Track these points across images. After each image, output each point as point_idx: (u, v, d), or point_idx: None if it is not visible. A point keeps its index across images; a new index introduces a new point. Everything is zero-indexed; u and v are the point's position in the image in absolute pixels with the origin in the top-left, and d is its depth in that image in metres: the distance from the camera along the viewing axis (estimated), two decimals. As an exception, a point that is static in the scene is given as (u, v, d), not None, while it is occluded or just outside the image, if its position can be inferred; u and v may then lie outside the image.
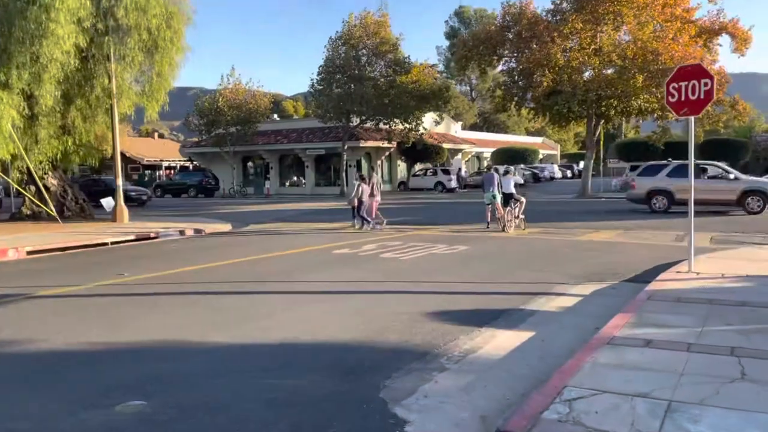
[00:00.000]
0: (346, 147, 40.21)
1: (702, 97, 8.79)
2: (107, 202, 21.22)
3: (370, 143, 42.19)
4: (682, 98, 9.03)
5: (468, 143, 57.84)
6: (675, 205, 20.94)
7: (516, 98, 35.05)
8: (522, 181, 17.62)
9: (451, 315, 7.30)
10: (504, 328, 6.70)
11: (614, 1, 28.51)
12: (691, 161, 9.34)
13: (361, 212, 18.04)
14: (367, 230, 17.53)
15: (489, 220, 17.98)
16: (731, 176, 21.05)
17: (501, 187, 17.64)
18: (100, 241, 15.51)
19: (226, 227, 19.58)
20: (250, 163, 49.21)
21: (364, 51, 39.55)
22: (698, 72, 8.88)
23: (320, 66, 39.68)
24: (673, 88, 9.14)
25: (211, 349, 6.19)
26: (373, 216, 18.52)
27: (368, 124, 41.03)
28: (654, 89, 29.34)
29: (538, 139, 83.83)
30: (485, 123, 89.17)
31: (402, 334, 6.48)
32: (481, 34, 35.57)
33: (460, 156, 57.32)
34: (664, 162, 22.97)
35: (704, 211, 20.13)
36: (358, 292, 8.83)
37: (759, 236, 14.78)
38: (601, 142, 38.85)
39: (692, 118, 9.16)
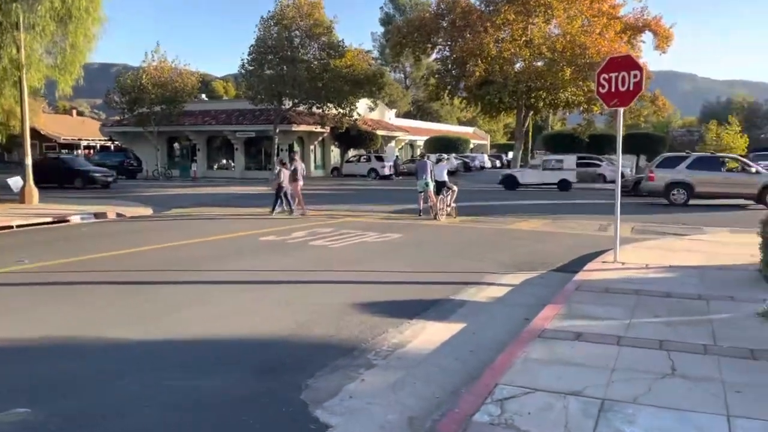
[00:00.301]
0: (277, 130, 39.21)
1: (631, 88, 8.85)
2: (14, 181, 19.64)
3: (303, 127, 41.34)
4: (612, 89, 9.07)
5: (402, 131, 57.85)
6: (694, 198, 20.53)
7: (449, 87, 35.25)
8: (454, 168, 17.49)
9: (380, 306, 7.02)
10: (434, 320, 6.48)
11: (545, -6, 29.01)
12: (619, 153, 9.42)
13: (281, 196, 17.64)
14: (290, 215, 17.10)
15: (421, 208, 17.87)
16: (752, 170, 20.59)
17: (434, 174, 17.56)
18: (2, 224, 14.27)
19: (147, 211, 18.56)
20: (176, 145, 47.19)
21: (297, 32, 38.55)
22: (628, 63, 8.94)
23: (251, 46, 38.40)
24: (604, 78, 9.17)
25: (119, 345, 5.63)
26: (296, 202, 18.09)
27: (301, 108, 40.17)
28: (581, 83, 30.20)
29: (470, 129, 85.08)
30: (419, 111, 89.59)
31: (329, 327, 6.14)
32: (415, 21, 35.49)
33: (393, 143, 57.28)
34: (683, 154, 22.47)
35: (722, 205, 20.16)
36: (284, 282, 8.40)
37: (675, 225, 15.35)
38: (530, 134, 39.70)
39: (621, 109, 9.23)
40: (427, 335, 5.95)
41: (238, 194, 26.63)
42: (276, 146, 39.72)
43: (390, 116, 59.30)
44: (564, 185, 27.96)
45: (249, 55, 38.67)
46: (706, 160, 21.39)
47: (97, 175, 29.22)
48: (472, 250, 11.15)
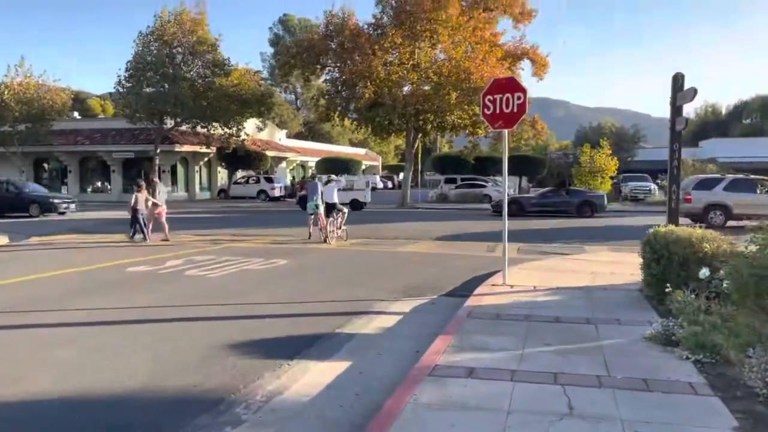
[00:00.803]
0: (158, 151, 37.00)
1: (515, 110, 8.82)
2: None
3: (187, 147, 39.37)
4: (497, 111, 9.01)
5: (293, 152, 56.97)
6: (732, 219, 20.27)
7: (339, 108, 34.99)
8: (374, 185, 17.01)
9: (258, 345, 6.29)
10: (318, 359, 5.86)
11: (430, 19, 29.62)
12: (505, 174, 9.38)
13: (139, 221, 16.08)
14: (143, 241, 15.76)
15: (311, 231, 17.24)
16: None
17: (323, 196, 17.04)
18: None
19: (2, 240, 16.45)
20: (45, 166, 43.30)
21: (179, 49, 36.81)
22: (512, 85, 8.92)
23: (128, 62, 36.10)
24: (489, 100, 9.10)
25: None
26: (162, 226, 16.58)
27: (184, 127, 38.26)
28: (466, 106, 31.05)
29: (361, 151, 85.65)
30: (310, 132, 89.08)
31: (193, 375, 5.32)
32: (304, 41, 35.01)
33: (284, 164, 56.23)
34: (719, 176, 22.44)
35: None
36: (148, 321, 7.41)
37: (558, 245, 15.81)
38: (419, 155, 40.34)
39: (506, 131, 9.19)
40: (309, 378, 5.31)
41: (113, 219, 24.51)
42: (157, 167, 37.45)
43: (280, 137, 58.26)
44: (356, 205, 29.00)
45: (126, 71, 36.33)
46: (741, 183, 21.63)
47: (57, 201, 26.13)
48: (362, 276, 10.67)
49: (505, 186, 9.51)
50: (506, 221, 9.38)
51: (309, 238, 17.02)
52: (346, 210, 17.06)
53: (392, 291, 9.23)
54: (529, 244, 16.03)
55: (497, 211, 26.15)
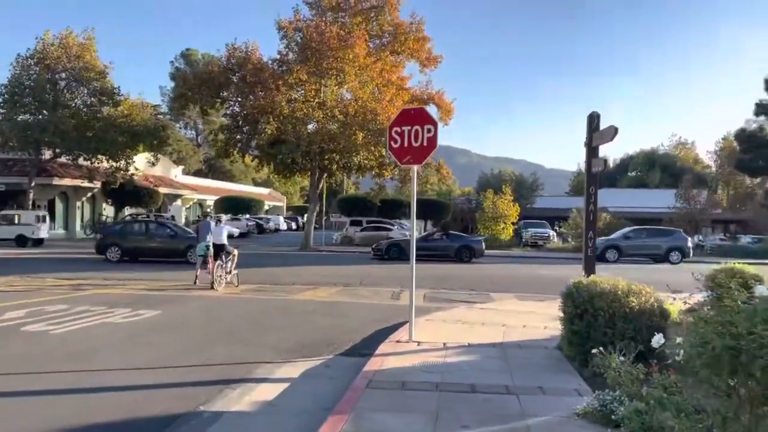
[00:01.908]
0: (33, 183, 33.40)
1: (425, 144, 7.89)
2: None
3: (67, 181, 35.95)
4: (405, 144, 8.04)
5: (189, 189, 54.04)
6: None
7: (240, 144, 33.32)
8: (236, 233, 15.50)
9: (87, 435, 4.69)
10: (166, 454, 4.37)
11: (337, 58, 28.98)
12: (413, 214, 8.36)
13: None
14: None
15: (198, 274, 15.46)
16: None
17: (212, 237, 15.40)
18: None
19: None
20: None
21: (63, 75, 33.86)
22: (422, 117, 8.01)
23: (2, 85, 32.64)
24: (396, 132, 8.13)
25: None
26: None
27: (65, 159, 34.92)
28: (373, 147, 30.44)
29: (265, 190, 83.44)
30: (211, 170, 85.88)
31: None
32: (203, 73, 33.29)
33: (179, 202, 53.16)
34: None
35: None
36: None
37: (464, 292, 15.02)
38: (324, 196, 39.21)
39: (415, 167, 8.23)
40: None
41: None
42: (32, 202, 33.74)
43: (176, 173, 55.20)
44: (21, 241, 29.15)
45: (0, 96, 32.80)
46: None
47: None
48: (247, 331, 9.15)
49: (413, 226, 8.48)
50: (414, 267, 8.31)
51: (195, 283, 15.24)
52: (236, 252, 15.44)
53: (280, 350, 7.82)
54: (434, 291, 15.15)
55: (378, 255, 26.06)
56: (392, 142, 8.17)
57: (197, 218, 50.19)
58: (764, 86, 42.86)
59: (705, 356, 3.30)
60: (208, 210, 31.84)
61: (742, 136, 44.56)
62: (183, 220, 50.73)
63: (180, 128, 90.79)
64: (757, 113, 41.23)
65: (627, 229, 30.15)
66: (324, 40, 28.60)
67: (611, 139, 7.32)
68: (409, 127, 7.98)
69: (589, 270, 8.14)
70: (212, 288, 14.29)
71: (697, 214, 37.23)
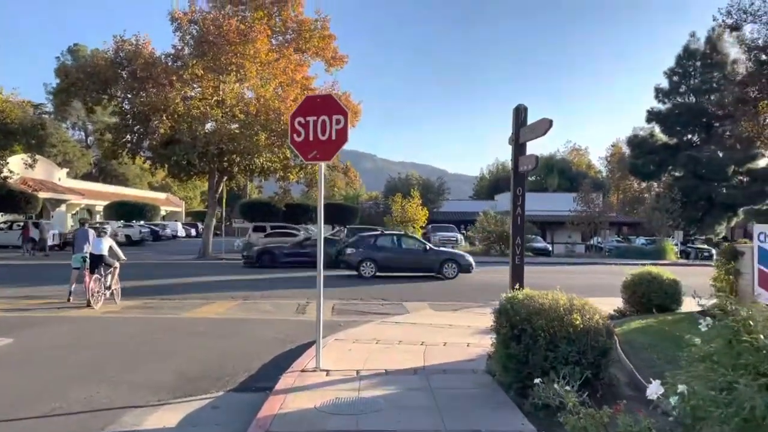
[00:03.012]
0: None
1: (334, 137, 6.75)
2: None
3: (-75, 185, 31.60)
4: (311, 137, 6.86)
5: (75, 194, 49.57)
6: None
7: (129, 145, 30.54)
8: (117, 249, 13.50)
9: None
10: None
11: (237, 53, 27.18)
12: (321, 217, 7.18)
13: None
14: None
15: (72, 289, 13.40)
16: None
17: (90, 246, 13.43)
18: None
19: None
20: None
21: None
22: (330, 105, 6.85)
23: None
24: (300, 123, 6.92)
25: None
26: None
27: None
28: (276, 149, 28.88)
29: (162, 195, 78.88)
30: (102, 173, 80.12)
31: None
32: (87, 67, 30.25)
33: (64, 207, 48.67)
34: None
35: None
36: None
37: (376, 303, 14.02)
38: (224, 201, 36.99)
39: (323, 164, 7.05)
40: None
41: None
42: None
43: (60, 176, 50.51)
44: None
45: None
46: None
47: None
48: (121, 361, 7.55)
49: (321, 230, 7.27)
50: (321, 281, 7.12)
51: (68, 300, 13.20)
52: (117, 264, 13.51)
53: (157, 387, 6.36)
54: (343, 302, 14.02)
55: (249, 262, 24.38)
56: (295, 135, 6.96)
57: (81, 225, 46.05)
58: (654, 94, 45.52)
59: (728, 416, 2.37)
60: (86, 217, 28.56)
61: (635, 141, 47.00)
62: (68, 227, 46.58)
63: (67, 128, 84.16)
64: (648, 120, 43.58)
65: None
66: (222, 34, 26.71)
67: (544, 133, 6.50)
68: (315, 118, 6.81)
69: (517, 280, 7.32)
70: (88, 306, 12.36)
71: (596, 217, 38.56)
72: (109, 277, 13.22)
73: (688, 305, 11.55)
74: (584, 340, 5.33)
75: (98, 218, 54.72)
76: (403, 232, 26.02)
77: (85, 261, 13.33)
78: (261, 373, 7.10)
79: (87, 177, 72.11)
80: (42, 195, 40.24)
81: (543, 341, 5.28)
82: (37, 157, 36.15)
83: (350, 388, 5.93)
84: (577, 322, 5.32)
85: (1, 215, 37.87)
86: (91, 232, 13.96)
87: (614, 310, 11.09)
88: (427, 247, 21.79)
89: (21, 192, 36.06)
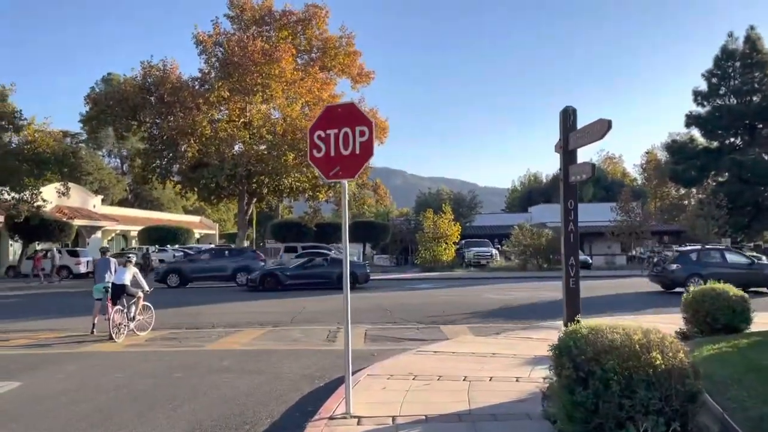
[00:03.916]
0: None
1: (358, 151, 5.98)
2: None
3: (-38, 216, 32.03)
4: (332, 153, 6.11)
5: (110, 220, 50.06)
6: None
7: (159, 170, 30.50)
8: (141, 279, 12.98)
9: None
10: None
11: (262, 73, 26.90)
12: (345, 236, 6.39)
13: None
14: None
15: (95, 322, 12.91)
16: None
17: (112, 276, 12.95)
18: None
19: None
20: None
21: (-47, 97, 30.24)
22: (352, 116, 6.09)
23: None
24: (319, 137, 6.19)
25: None
26: None
27: (-45, 191, 31.09)
28: (305, 168, 28.44)
29: (196, 218, 79.51)
30: (137, 199, 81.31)
31: None
32: (116, 93, 30.43)
33: (100, 234, 49.17)
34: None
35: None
36: None
37: (411, 327, 13.16)
38: (254, 221, 36.67)
39: (345, 182, 6.28)
40: None
41: None
42: None
43: (95, 203, 51.10)
44: None
45: None
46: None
47: None
48: (130, 409, 6.82)
49: (346, 250, 6.46)
50: (348, 308, 6.32)
51: (92, 332, 12.71)
52: (141, 294, 12.96)
53: (167, 442, 5.61)
54: (377, 327, 13.21)
55: (252, 286, 23.65)
56: (314, 151, 6.22)
57: (120, 252, 46.34)
58: (692, 98, 43.84)
59: None
60: (106, 245, 28.46)
61: (674, 147, 45.23)
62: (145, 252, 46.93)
63: (103, 156, 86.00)
64: (687, 124, 41.88)
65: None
66: (247, 54, 26.50)
67: (601, 137, 5.60)
68: (336, 130, 6.07)
69: (573, 308, 6.40)
70: (110, 339, 11.80)
71: (637, 227, 36.97)
72: (133, 307, 12.67)
73: (760, 323, 10.43)
74: (667, 383, 4.38)
75: (134, 243, 55.20)
76: None
77: (106, 291, 12.83)
78: (285, 419, 6.30)
79: (123, 203, 73.22)
80: (77, 222, 40.59)
81: (616, 386, 4.35)
82: (71, 185, 36.50)
83: (385, 441, 5.08)
84: (658, 362, 4.38)
85: (40, 244, 38.23)
86: (113, 261, 13.48)
87: (676, 332, 9.99)
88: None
89: (55, 220, 36.33)
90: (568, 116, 6.52)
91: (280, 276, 23.60)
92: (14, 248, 38.80)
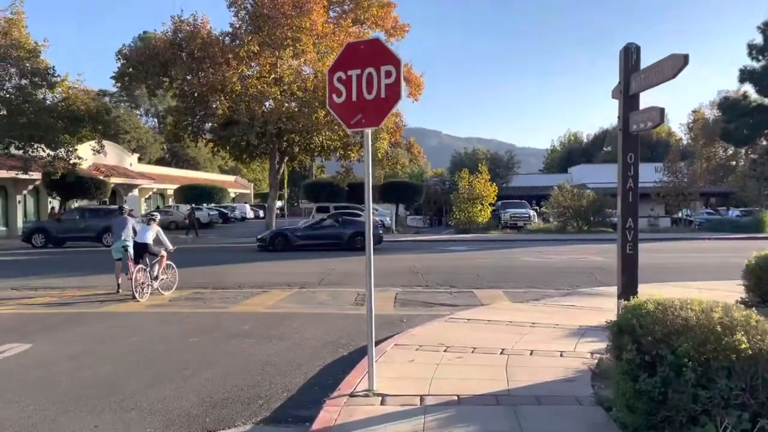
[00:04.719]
0: (-41, 177, 29.88)
1: (383, 94, 5.19)
2: None
3: (1, 173, 32.37)
4: (353, 97, 5.34)
5: (146, 178, 50.43)
6: None
7: (191, 127, 30.11)
8: (164, 237, 12.52)
9: None
10: None
11: (292, 26, 25.93)
12: (368, 194, 5.66)
13: None
14: None
15: (119, 281, 12.65)
16: None
17: (134, 234, 12.59)
18: None
19: None
20: None
21: (-12, 54, 30.11)
22: (377, 53, 5.27)
23: None
24: (340, 80, 5.41)
25: None
26: None
27: (-5, 149, 31.30)
28: (336, 126, 27.64)
29: (231, 178, 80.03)
30: (174, 158, 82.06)
31: None
32: (146, 49, 29.90)
33: (137, 192, 49.71)
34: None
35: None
36: None
37: (443, 291, 12.48)
38: (285, 181, 36.23)
39: (369, 131, 5.51)
40: None
41: None
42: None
43: (131, 162, 51.49)
44: None
45: None
46: None
47: None
48: (140, 377, 6.33)
49: (369, 209, 5.71)
50: (371, 273, 5.64)
51: (117, 291, 12.47)
52: (164, 252, 12.58)
53: (169, 418, 5.08)
54: (407, 290, 12.60)
55: (262, 246, 23.11)
56: (334, 96, 5.45)
57: (154, 210, 46.82)
58: (747, 51, 41.02)
59: None
60: (124, 205, 28.24)
61: (725, 104, 42.71)
62: (142, 211, 47.60)
63: (140, 116, 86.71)
64: (741, 80, 39.32)
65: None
66: (277, 6, 25.55)
67: (673, 76, 4.66)
68: (359, 71, 5.27)
69: (630, 277, 5.58)
70: (133, 299, 11.49)
71: (684, 188, 35.24)
72: (156, 266, 12.31)
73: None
74: (754, 371, 3.59)
75: (171, 201, 55.73)
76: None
77: (126, 250, 12.50)
78: (303, 393, 5.72)
79: (160, 162, 73.93)
80: (113, 180, 40.90)
81: (691, 374, 3.59)
82: (108, 143, 36.52)
83: (412, 427, 4.43)
84: (743, 346, 3.58)
85: (77, 202, 38.66)
86: (131, 220, 13.12)
87: (737, 301, 9.05)
88: None
89: (91, 178, 36.56)
90: (630, 55, 5.57)
91: (290, 236, 23.17)
92: (53, 205, 39.34)
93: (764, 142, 44.94)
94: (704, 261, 18.31)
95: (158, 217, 13.35)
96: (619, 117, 5.70)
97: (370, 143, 5.51)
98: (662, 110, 4.85)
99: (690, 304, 3.95)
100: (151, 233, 12.44)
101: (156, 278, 12.26)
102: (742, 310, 3.91)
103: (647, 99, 5.42)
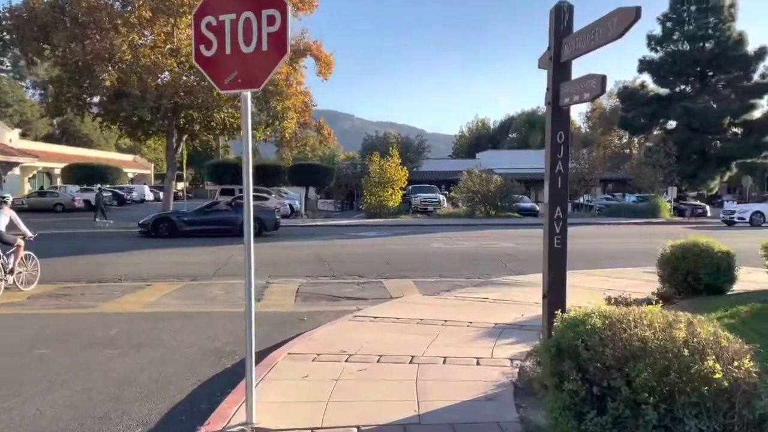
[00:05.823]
0: None
1: (265, 47, 4.03)
2: None
3: None
4: (227, 50, 4.14)
5: (29, 156, 45.82)
6: None
7: (74, 99, 27.18)
8: (20, 223, 10.58)
9: None
10: None
11: (191, -8, 23.82)
12: (248, 177, 4.51)
13: None
14: None
15: (-27, 276, 10.67)
16: None
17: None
18: None
19: None
20: None
21: None
22: (255, -7, 4.09)
23: None
24: (209, 26, 4.19)
25: None
26: None
27: None
28: (239, 103, 25.83)
29: (129, 157, 75.01)
30: (64, 135, 75.85)
31: None
32: (24, 11, 26.57)
33: (17, 171, 45.16)
34: None
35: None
36: None
37: (351, 282, 11.53)
38: (185, 161, 33.87)
39: (248, 93, 4.33)
40: None
41: None
42: None
43: (11, 138, 46.65)
44: None
45: None
46: None
47: None
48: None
49: (248, 192, 4.58)
50: (251, 265, 4.53)
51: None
52: (22, 242, 10.73)
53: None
54: (312, 281, 11.54)
55: (145, 232, 21.17)
56: (202, 47, 4.22)
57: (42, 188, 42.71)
58: (646, 42, 42.82)
59: None
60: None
61: (624, 93, 44.43)
62: (25, 192, 43.46)
63: (26, 88, 79.22)
64: (640, 69, 40.94)
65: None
66: (172, -31, 23.30)
67: (620, 35, 3.83)
68: (234, 16, 4.08)
69: (557, 277, 4.79)
70: (-16, 297, 9.66)
71: (585, 174, 36.28)
72: (12, 257, 10.46)
73: (742, 283, 9.30)
74: (727, 407, 2.82)
75: (58, 182, 51.16)
76: None
77: (-14, 241, 10.56)
78: (164, 428, 4.53)
79: (49, 139, 68.00)
80: (-12, 158, 36.79)
81: (652, 412, 2.77)
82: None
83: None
84: (716, 376, 2.80)
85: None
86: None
87: (653, 293, 8.70)
88: None
89: (-42, 155, 32.55)
90: (561, 15, 4.72)
91: (176, 222, 21.13)
92: None
93: (659, 131, 47.35)
94: (609, 247, 18.48)
95: (10, 199, 11.35)
96: (548, 89, 4.86)
97: (249, 111, 4.33)
98: (603, 78, 4.02)
99: (646, 317, 3.14)
100: (4, 219, 10.55)
101: (11, 272, 10.42)
102: (706, 324, 3.14)
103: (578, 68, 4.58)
